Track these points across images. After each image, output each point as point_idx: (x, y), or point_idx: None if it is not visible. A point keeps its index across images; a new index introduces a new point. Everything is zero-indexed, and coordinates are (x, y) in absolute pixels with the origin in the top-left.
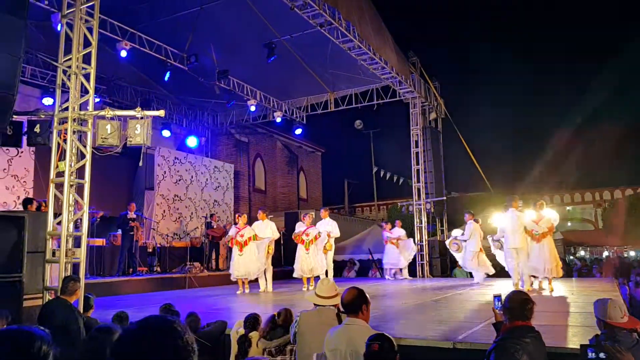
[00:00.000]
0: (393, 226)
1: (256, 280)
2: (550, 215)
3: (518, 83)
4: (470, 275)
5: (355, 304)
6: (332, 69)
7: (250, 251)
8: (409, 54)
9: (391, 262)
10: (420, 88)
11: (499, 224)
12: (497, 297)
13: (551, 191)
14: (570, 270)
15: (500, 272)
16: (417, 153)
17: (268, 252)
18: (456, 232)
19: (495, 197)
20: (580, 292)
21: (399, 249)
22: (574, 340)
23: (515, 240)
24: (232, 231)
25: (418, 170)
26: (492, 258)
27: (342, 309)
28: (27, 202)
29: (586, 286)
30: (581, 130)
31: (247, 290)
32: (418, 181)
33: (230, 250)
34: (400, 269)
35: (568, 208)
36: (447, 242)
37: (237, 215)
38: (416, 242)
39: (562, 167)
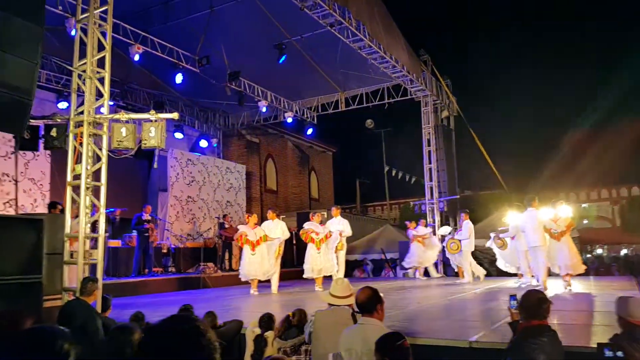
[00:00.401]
0: (417, 224)
1: (267, 281)
2: (567, 212)
3: (533, 79)
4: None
5: (370, 304)
6: (342, 69)
7: (262, 252)
8: (420, 52)
9: (417, 260)
10: (432, 86)
11: (512, 222)
12: (513, 296)
13: (567, 188)
14: (587, 269)
15: (500, 273)
16: (429, 151)
17: (278, 253)
18: (445, 230)
19: (509, 195)
20: (598, 290)
21: (424, 247)
22: (592, 339)
23: (535, 239)
24: (242, 228)
25: (430, 169)
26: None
27: (356, 309)
28: (51, 205)
29: (604, 285)
30: (597, 127)
31: (255, 292)
32: (430, 180)
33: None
34: (425, 268)
35: (584, 205)
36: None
37: (246, 216)
38: None
39: (578, 164)
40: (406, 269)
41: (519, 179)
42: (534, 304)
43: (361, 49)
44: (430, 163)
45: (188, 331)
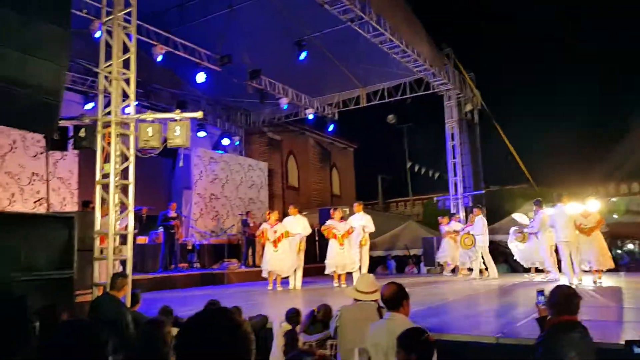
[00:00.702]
0: (450, 220)
1: (286, 277)
2: (596, 207)
3: (561, 71)
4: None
5: (396, 299)
6: (363, 64)
7: (284, 248)
8: (443, 45)
9: (449, 257)
10: (455, 80)
11: (537, 217)
12: (540, 292)
13: (595, 182)
14: (617, 265)
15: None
16: (453, 146)
17: (300, 248)
18: (520, 217)
19: (536, 189)
20: (628, 286)
21: (457, 244)
22: (621, 336)
23: (566, 234)
24: (263, 226)
25: (454, 164)
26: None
27: (382, 305)
28: (85, 204)
29: (635, 281)
30: (628, 118)
31: (278, 287)
32: (455, 175)
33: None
34: (456, 266)
35: (613, 199)
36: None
37: (267, 212)
38: None
39: (607, 157)
40: (440, 265)
41: (545, 173)
42: (564, 299)
43: (382, 44)
44: (454, 158)
45: (225, 324)
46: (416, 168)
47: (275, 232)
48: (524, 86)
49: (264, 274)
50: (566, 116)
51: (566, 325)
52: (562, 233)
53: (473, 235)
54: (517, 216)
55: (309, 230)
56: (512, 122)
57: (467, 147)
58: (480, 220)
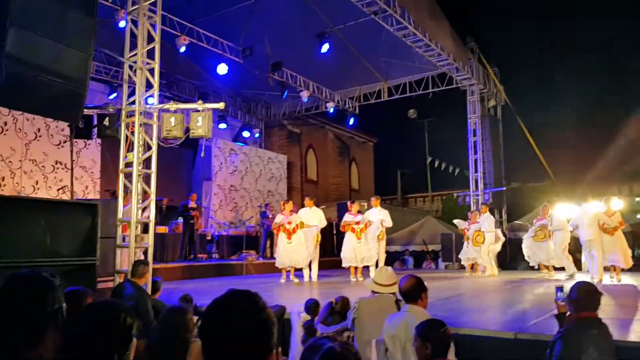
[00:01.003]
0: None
1: (300, 269)
2: (619, 207)
3: (587, 65)
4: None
5: (414, 292)
6: (385, 58)
7: (299, 239)
8: (467, 39)
9: (469, 254)
10: (479, 74)
11: (561, 216)
12: (559, 288)
13: (619, 181)
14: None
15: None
16: (474, 142)
17: (317, 240)
18: (461, 223)
19: (558, 187)
20: None
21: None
22: None
23: (590, 233)
24: (278, 218)
25: (476, 160)
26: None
27: (399, 297)
28: (111, 193)
29: None
30: None
31: (293, 279)
32: (475, 171)
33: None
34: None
35: (637, 199)
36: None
37: (282, 203)
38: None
39: (632, 156)
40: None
41: (569, 171)
42: (584, 296)
43: (405, 37)
44: (475, 154)
45: (248, 305)
46: (436, 163)
47: (290, 222)
48: (549, 81)
49: (278, 266)
50: (591, 114)
51: (586, 322)
52: (587, 232)
53: (483, 232)
54: (457, 221)
55: (324, 223)
56: (535, 118)
57: (489, 143)
58: (487, 218)
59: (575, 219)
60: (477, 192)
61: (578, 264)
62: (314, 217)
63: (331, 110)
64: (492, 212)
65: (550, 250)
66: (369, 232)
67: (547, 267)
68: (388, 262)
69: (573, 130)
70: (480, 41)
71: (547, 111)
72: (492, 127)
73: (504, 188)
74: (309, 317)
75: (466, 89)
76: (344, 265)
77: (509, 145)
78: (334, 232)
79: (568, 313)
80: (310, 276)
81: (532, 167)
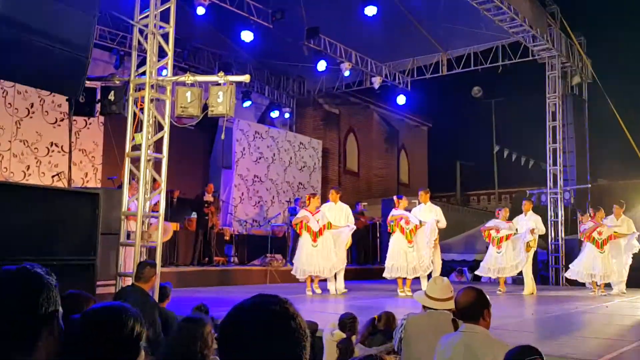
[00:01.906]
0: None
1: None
2: None
3: None
4: None
5: (475, 308)
6: (445, 23)
7: (325, 242)
8: (547, 2)
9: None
10: (561, 45)
11: None
12: None
13: None
14: None
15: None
16: (554, 128)
17: (348, 246)
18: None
19: None
20: None
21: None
22: None
23: None
24: (301, 213)
25: (555, 150)
26: None
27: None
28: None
29: None
30: None
31: (318, 291)
32: (554, 164)
33: None
34: None
35: None
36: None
37: (307, 196)
38: (549, 241)
39: None
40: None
41: None
42: None
43: None
44: (554, 142)
45: (277, 312)
46: (505, 154)
47: (317, 221)
48: None
49: (297, 276)
50: None
51: None
52: None
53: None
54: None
55: (352, 221)
56: (630, 100)
57: (571, 129)
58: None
59: None
60: (556, 189)
61: None
62: (341, 215)
63: (377, 86)
64: (573, 214)
65: (610, 264)
66: (419, 234)
67: (599, 286)
68: (444, 273)
69: None
70: (564, 4)
71: None
72: (576, 109)
73: (589, 185)
74: (344, 335)
75: (545, 62)
76: (387, 275)
77: (596, 133)
78: (378, 234)
79: None
80: (336, 289)
81: (624, 159)
